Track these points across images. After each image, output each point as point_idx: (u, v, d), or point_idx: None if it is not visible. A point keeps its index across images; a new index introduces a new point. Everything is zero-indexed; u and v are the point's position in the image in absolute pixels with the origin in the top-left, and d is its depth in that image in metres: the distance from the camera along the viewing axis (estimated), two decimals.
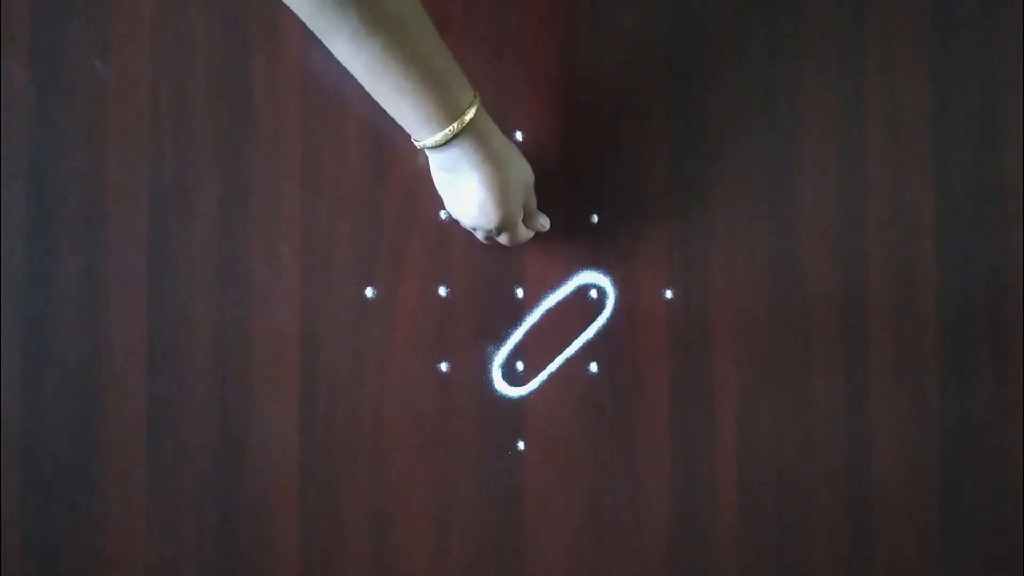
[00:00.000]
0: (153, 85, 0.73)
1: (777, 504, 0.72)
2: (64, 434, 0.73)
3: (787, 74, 0.73)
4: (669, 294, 0.72)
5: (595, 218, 0.73)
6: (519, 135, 0.72)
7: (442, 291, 0.73)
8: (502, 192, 0.62)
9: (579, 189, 0.73)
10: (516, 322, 0.73)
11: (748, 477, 0.72)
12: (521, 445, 0.73)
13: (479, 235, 0.68)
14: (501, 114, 0.72)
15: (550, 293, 0.73)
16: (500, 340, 0.73)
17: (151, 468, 0.73)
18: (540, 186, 0.71)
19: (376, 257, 0.73)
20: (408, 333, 0.73)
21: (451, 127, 0.58)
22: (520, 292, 0.73)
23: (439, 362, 0.73)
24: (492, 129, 0.62)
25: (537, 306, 0.73)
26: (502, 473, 0.73)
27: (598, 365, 0.73)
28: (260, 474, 0.73)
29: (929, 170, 0.73)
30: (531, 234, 0.69)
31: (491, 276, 0.73)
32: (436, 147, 0.59)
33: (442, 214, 0.72)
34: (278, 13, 0.72)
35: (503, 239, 0.67)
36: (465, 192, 0.62)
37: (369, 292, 0.73)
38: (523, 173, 0.65)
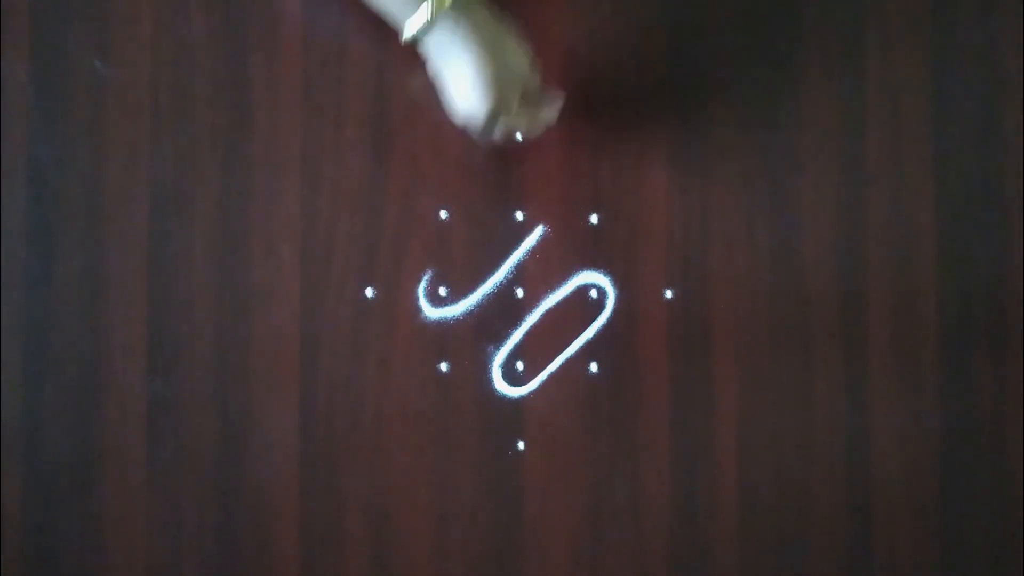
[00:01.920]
0: (153, 85, 0.73)
1: (777, 504, 0.72)
2: (64, 434, 0.73)
3: (787, 74, 0.73)
4: (669, 294, 0.72)
5: (595, 218, 0.73)
6: (519, 135, 0.72)
7: (442, 291, 0.73)
8: (494, 72, 0.61)
9: (579, 189, 0.73)
10: (516, 322, 0.73)
11: (748, 477, 0.72)
12: (521, 445, 0.73)
13: (481, 131, 0.66)
14: None
15: (550, 293, 0.73)
16: (500, 340, 0.73)
17: (151, 468, 0.73)
18: (540, 186, 0.71)
19: (376, 257, 0.73)
20: (408, 333, 0.73)
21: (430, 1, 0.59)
22: (520, 292, 0.73)
23: (439, 362, 0.73)
24: (483, 13, 0.62)
25: (537, 306, 0.73)
26: (502, 473, 0.73)
27: (598, 365, 0.73)
28: (260, 474, 0.73)
29: (929, 170, 0.73)
30: (541, 125, 0.68)
31: (492, 275, 0.73)
32: (427, 30, 0.60)
33: (442, 214, 0.72)
34: (278, 13, 0.72)
35: (508, 126, 0.66)
36: (458, 77, 0.62)
37: (369, 292, 0.73)
38: (516, 61, 0.64)
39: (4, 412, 0.73)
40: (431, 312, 0.73)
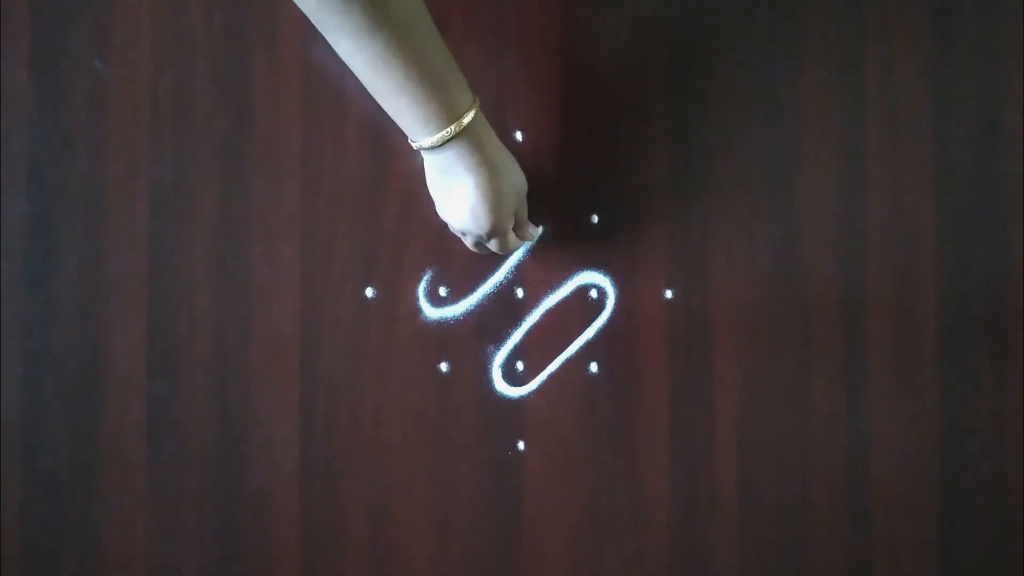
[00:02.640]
0: (153, 85, 0.73)
1: (777, 503, 0.72)
2: (64, 434, 0.73)
3: (787, 74, 0.73)
4: (669, 294, 0.72)
5: (595, 218, 0.73)
6: (519, 135, 0.72)
7: (442, 291, 0.73)
8: (495, 198, 0.62)
9: (579, 189, 0.73)
10: (516, 322, 0.73)
11: (748, 477, 0.72)
12: (521, 445, 0.73)
13: (468, 240, 0.67)
14: (501, 114, 0.72)
15: (550, 293, 0.73)
16: (500, 340, 0.73)
17: (151, 468, 0.73)
18: (540, 186, 0.71)
19: (376, 257, 0.73)
20: (408, 333, 0.73)
21: (449, 129, 0.58)
22: (520, 292, 0.73)
23: (439, 362, 0.73)
24: (489, 134, 0.62)
25: (537, 306, 0.73)
26: (502, 473, 0.73)
27: (598, 365, 0.73)
28: (260, 474, 0.73)
29: (929, 170, 0.73)
30: (520, 243, 0.69)
31: (492, 275, 0.73)
32: (432, 148, 0.59)
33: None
34: (278, 13, 0.72)
35: (492, 245, 0.67)
36: (458, 196, 0.62)
37: (369, 292, 0.73)
38: (517, 180, 0.65)
39: (4, 412, 0.73)
40: (431, 312, 0.73)
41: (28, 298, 0.73)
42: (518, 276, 0.73)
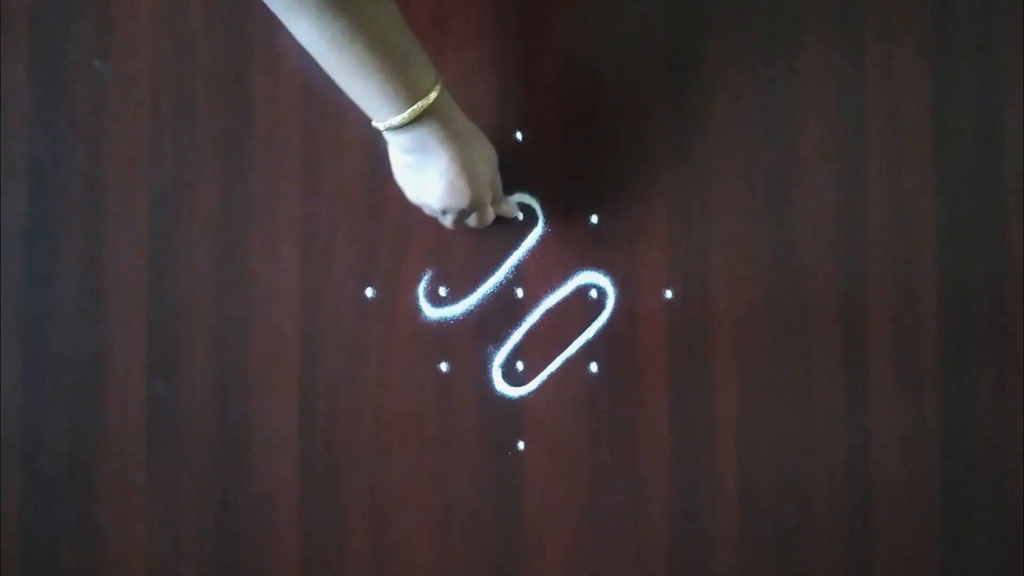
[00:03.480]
0: (153, 85, 0.73)
1: (777, 504, 0.72)
2: (64, 434, 0.73)
3: (787, 74, 0.73)
4: (669, 294, 0.72)
5: (595, 218, 0.73)
6: (519, 135, 0.72)
7: (442, 291, 0.73)
8: (471, 168, 0.62)
9: (579, 189, 0.73)
10: (516, 322, 0.73)
11: (748, 477, 0.72)
12: (521, 445, 0.73)
13: (447, 220, 0.66)
14: (501, 114, 0.72)
15: (550, 293, 0.73)
16: (500, 340, 0.73)
17: (151, 468, 0.73)
18: (540, 186, 0.71)
19: (376, 257, 0.73)
20: (408, 333, 0.73)
21: (417, 105, 0.57)
22: (520, 292, 0.73)
23: (439, 362, 0.73)
24: (455, 109, 0.61)
25: (537, 306, 0.73)
26: (502, 473, 0.73)
27: (598, 365, 0.73)
28: (260, 474, 0.73)
29: (929, 170, 0.73)
30: (491, 215, 0.69)
31: (492, 275, 0.73)
32: (401, 127, 0.59)
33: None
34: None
35: (472, 221, 0.67)
36: (434, 173, 0.62)
37: (369, 292, 0.73)
38: (489, 150, 0.65)
39: (4, 412, 0.73)
40: (431, 312, 0.73)
41: (28, 298, 0.73)
42: (518, 276, 0.73)
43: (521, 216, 0.72)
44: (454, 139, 0.60)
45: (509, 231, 0.73)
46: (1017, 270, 0.72)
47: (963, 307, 0.72)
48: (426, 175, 0.62)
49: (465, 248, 0.73)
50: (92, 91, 0.73)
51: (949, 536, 0.72)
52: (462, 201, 0.63)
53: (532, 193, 0.72)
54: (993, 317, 0.72)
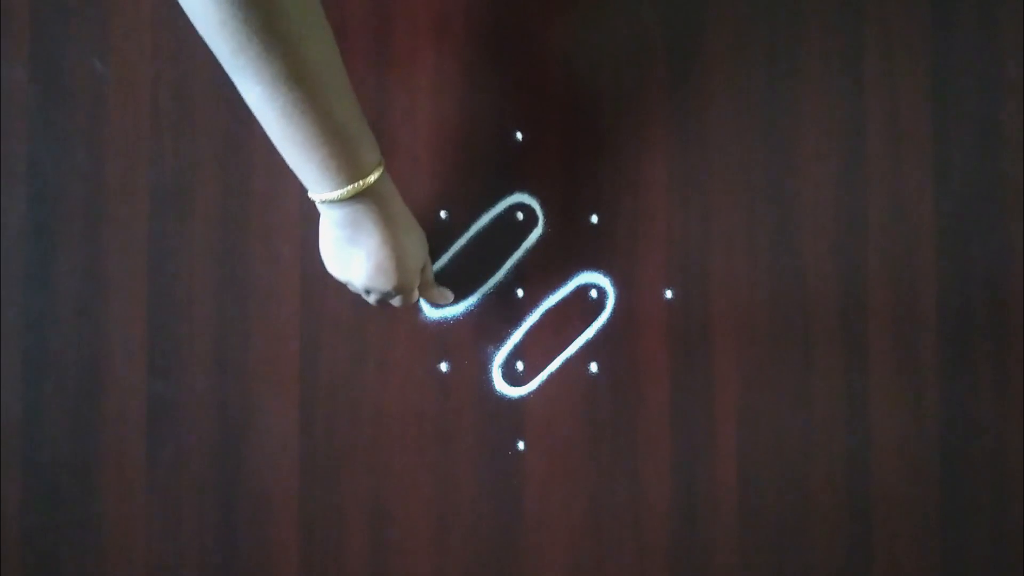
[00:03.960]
0: (153, 85, 0.73)
1: (777, 504, 0.72)
2: (64, 434, 0.73)
3: (787, 74, 0.73)
4: (669, 294, 0.72)
5: (595, 218, 0.73)
6: (519, 135, 0.72)
7: None
8: (402, 253, 0.62)
9: (579, 189, 0.73)
10: (516, 322, 0.73)
11: (748, 477, 0.72)
12: (521, 445, 0.73)
13: (371, 298, 0.67)
14: (501, 114, 0.72)
15: (550, 293, 0.73)
16: (500, 340, 0.73)
17: (151, 468, 0.73)
18: (540, 186, 0.71)
19: None
20: (408, 333, 0.73)
21: (358, 183, 0.57)
22: (520, 292, 0.73)
23: (439, 362, 0.73)
24: (393, 192, 0.62)
25: (537, 306, 0.73)
26: (502, 473, 0.73)
27: (598, 365, 0.73)
28: (260, 474, 0.73)
29: (929, 170, 0.73)
30: (417, 297, 0.69)
31: (492, 275, 0.73)
32: (338, 202, 0.58)
33: (442, 214, 0.72)
34: None
35: (396, 302, 0.67)
36: (363, 252, 0.62)
37: None
38: (420, 238, 0.66)
39: (4, 412, 0.73)
40: (431, 312, 0.73)
41: (28, 298, 0.73)
42: (518, 276, 0.73)
43: (452, 298, 0.72)
44: (388, 222, 0.60)
45: (509, 231, 0.73)
46: (1017, 270, 0.72)
47: (963, 307, 0.72)
48: (354, 253, 0.62)
49: (465, 248, 0.73)
50: (92, 91, 0.73)
51: (949, 536, 0.72)
52: (387, 284, 0.63)
53: (532, 193, 0.72)
54: (993, 317, 0.72)
